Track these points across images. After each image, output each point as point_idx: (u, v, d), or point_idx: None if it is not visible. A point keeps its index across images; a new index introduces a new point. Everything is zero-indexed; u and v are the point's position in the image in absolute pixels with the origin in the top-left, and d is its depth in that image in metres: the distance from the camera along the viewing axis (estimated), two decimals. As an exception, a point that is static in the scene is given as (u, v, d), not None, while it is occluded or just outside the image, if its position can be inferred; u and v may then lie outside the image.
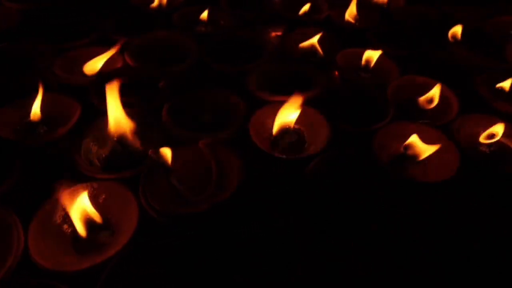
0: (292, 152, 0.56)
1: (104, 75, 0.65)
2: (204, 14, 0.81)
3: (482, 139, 0.58)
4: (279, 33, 0.82)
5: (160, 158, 0.49)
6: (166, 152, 0.50)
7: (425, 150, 0.53)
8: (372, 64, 0.69)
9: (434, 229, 0.51)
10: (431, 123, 0.60)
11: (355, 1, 0.83)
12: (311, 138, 0.58)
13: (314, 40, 0.73)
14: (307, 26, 0.81)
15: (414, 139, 0.54)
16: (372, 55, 0.69)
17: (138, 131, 0.55)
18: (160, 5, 0.83)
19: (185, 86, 0.65)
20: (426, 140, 0.57)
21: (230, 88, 0.64)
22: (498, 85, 0.63)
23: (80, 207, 0.45)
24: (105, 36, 0.74)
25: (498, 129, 0.57)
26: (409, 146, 0.55)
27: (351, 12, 0.84)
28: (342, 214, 0.49)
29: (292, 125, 0.56)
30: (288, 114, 0.56)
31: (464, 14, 0.81)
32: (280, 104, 0.59)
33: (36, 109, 0.58)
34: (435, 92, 0.61)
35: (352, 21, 0.84)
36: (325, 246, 0.48)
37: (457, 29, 0.78)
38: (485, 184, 0.54)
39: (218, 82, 0.67)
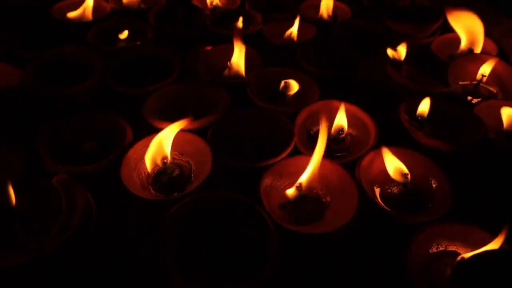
0: (172, 190, 0.49)
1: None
2: (125, 32, 0.75)
3: (392, 177, 0.50)
4: (207, 50, 0.75)
5: (2, 195, 0.43)
6: (9, 189, 0.43)
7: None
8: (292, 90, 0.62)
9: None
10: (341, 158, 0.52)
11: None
12: (198, 173, 0.51)
13: (234, 58, 0.66)
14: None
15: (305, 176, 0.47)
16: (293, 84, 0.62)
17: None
18: (81, 18, 0.78)
19: (79, 109, 0.59)
20: (327, 180, 0.50)
21: (129, 113, 0.58)
22: (418, 112, 0.55)
23: None
24: (10, 51, 0.69)
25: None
26: (300, 186, 0.47)
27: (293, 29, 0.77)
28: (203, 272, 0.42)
29: (168, 158, 0.50)
30: (162, 144, 0.49)
31: (409, 32, 0.73)
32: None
33: None
34: (339, 121, 0.54)
35: (291, 37, 0.77)
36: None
37: (401, 48, 0.70)
38: (387, 234, 0.46)
39: (120, 105, 0.61)
